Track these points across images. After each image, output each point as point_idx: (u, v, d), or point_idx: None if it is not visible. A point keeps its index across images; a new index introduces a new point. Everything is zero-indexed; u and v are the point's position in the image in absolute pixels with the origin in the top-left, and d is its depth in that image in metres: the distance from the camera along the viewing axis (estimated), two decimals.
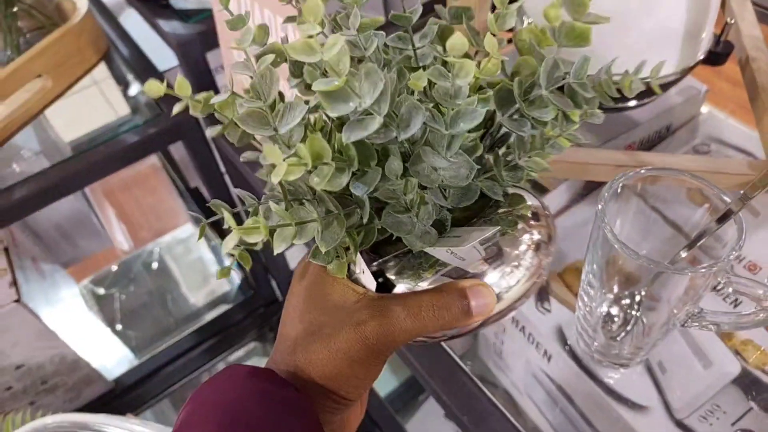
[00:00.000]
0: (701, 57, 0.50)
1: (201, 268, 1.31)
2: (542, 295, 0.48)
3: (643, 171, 0.36)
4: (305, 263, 0.32)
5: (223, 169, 0.78)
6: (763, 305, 0.33)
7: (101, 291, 1.37)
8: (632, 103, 0.54)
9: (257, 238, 0.23)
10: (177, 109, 0.24)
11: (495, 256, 0.29)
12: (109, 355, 1.07)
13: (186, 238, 1.44)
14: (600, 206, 0.34)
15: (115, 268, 1.43)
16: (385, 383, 1.05)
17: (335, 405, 0.28)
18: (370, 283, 0.29)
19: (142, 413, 0.95)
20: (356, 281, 0.29)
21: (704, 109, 0.62)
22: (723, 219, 0.33)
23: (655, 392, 0.42)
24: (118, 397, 0.94)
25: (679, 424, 0.40)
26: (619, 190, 0.36)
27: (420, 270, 0.29)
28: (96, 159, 0.63)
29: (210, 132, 0.27)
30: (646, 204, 0.40)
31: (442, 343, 0.45)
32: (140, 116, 0.69)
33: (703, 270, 0.31)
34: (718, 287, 0.35)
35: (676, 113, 0.59)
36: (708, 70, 0.54)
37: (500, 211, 0.31)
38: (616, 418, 0.42)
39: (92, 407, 0.93)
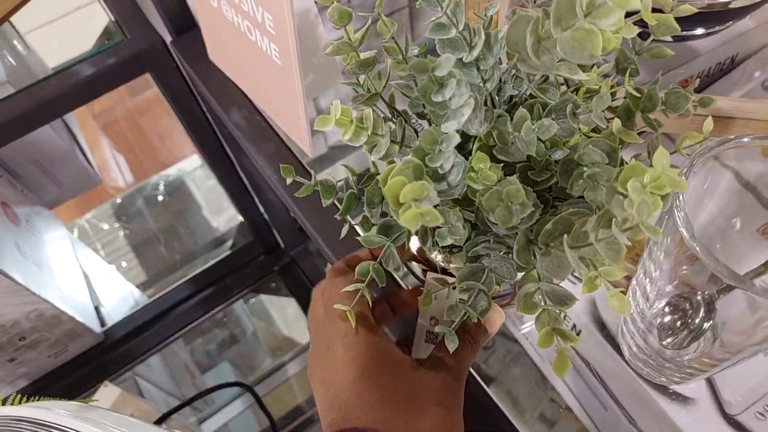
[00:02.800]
0: None
1: (211, 202, 1.25)
2: None
3: (746, 139, 0.26)
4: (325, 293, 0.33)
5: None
6: None
7: (105, 225, 1.32)
8: (699, 30, 0.47)
9: None
10: None
11: None
12: (106, 298, 1.01)
13: (193, 170, 1.38)
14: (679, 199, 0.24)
15: (118, 200, 1.38)
16: None
17: None
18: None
19: (133, 368, 0.89)
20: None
21: None
22: None
23: (703, 382, 0.37)
24: (108, 351, 0.88)
25: (730, 420, 0.36)
26: (705, 163, 0.26)
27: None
28: (43, 95, 0.53)
29: None
30: (739, 182, 0.30)
31: None
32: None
33: None
34: None
35: (745, 41, 0.51)
36: None
37: None
38: (655, 410, 0.37)
39: (80, 361, 0.87)
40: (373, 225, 0.31)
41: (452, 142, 0.22)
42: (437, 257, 0.36)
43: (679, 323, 0.32)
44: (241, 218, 0.98)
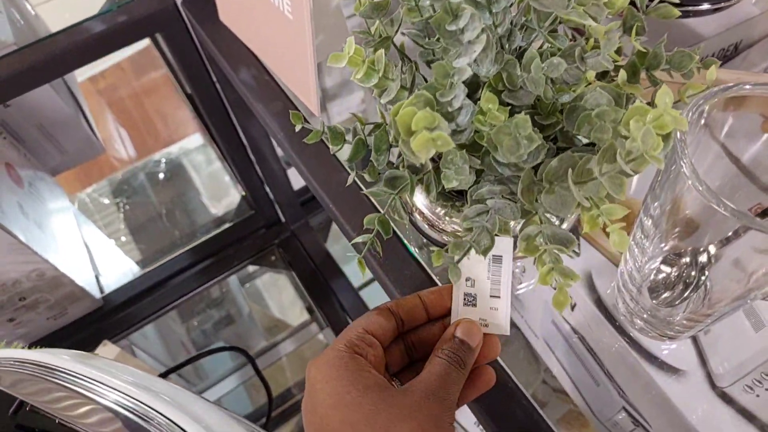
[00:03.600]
0: None
1: (212, 181, 1.25)
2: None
3: (748, 87, 0.26)
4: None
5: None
6: None
7: (105, 200, 1.33)
8: (705, 5, 0.47)
9: None
10: None
11: None
12: (106, 269, 1.02)
13: (195, 148, 1.39)
14: (679, 134, 0.25)
15: (119, 176, 1.38)
16: None
17: None
18: None
19: (130, 335, 0.90)
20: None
21: None
22: None
23: (694, 355, 0.37)
24: (107, 316, 0.88)
25: (719, 392, 0.36)
26: (705, 115, 0.27)
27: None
28: (52, 49, 0.53)
29: None
30: (727, 154, 0.31)
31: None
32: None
33: None
34: None
35: (750, 28, 0.51)
36: None
37: None
38: (645, 380, 0.37)
39: (80, 326, 0.88)
40: (379, 174, 0.32)
41: (463, 76, 0.23)
42: (440, 212, 0.37)
43: (673, 280, 0.33)
44: (243, 192, 0.98)
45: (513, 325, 0.47)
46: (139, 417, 0.42)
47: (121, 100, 1.74)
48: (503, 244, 0.30)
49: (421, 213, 0.39)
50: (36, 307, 0.82)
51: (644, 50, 0.30)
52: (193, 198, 1.26)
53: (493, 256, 0.30)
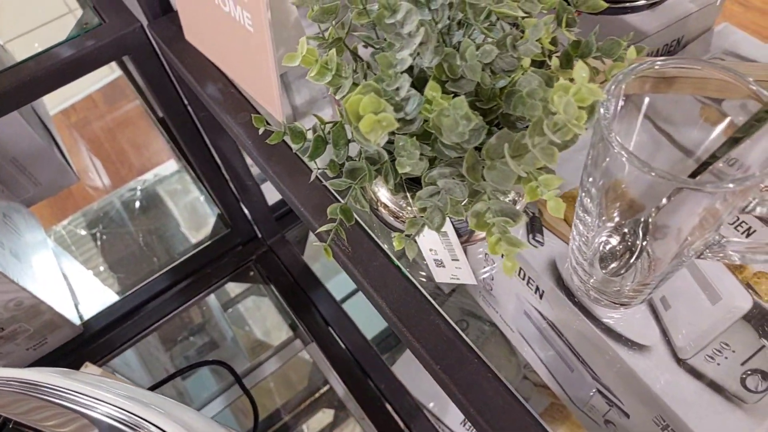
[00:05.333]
0: None
1: (189, 204, 1.26)
2: (534, 226, 0.44)
3: (659, 63, 0.29)
4: None
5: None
6: None
7: (82, 232, 1.33)
8: (641, 1, 0.50)
9: None
10: None
11: None
12: (85, 298, 1.02)
13: (170, 175, 1.40)
14: (602, 110, 0.27)
15: (95, 207, 1.38)
16: (372, 326, 1.00)
17: None
18: None
19: (112, 360, 0.90)
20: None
21: (718, 25, 0.57)
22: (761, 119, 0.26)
23: (657, 330, 0.39)
24: (88, 342, 0.88)
25: (682, 364, 0.37)
26: (623, 93, 0.30)
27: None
28: (22, 76, 0.55)
29: None
30: (653, 125, 0.33)
31: (416, 283, 0.40)
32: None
33: (731, 186, 0.24)
34: (748, 208, 0.29)
35: (690, 24, 0.54)
36: None
37: None
38: (613, 358, 0.39)
39: (60, 354, 0.88)
40: (341, 168, 0.34)
41: (405, 65, 0.25)
42: (402, 203, 0.39)
43: (620, 250, 0.35)
44: (218, 211, 0.99)
45: (490, 322, 0.49)
46: (131, 428, 0.43)
47: (93, 131, 1.75)
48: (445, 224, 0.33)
49: (385, 206, 0.41)
50: (15, 337, 0.82)
51: (576, 40, 0.33)
52: (170, 222, 1.26)
53: (441, 232, 0.33)
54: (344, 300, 1.04)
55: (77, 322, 0.89)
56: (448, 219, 0.36)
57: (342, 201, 0.37)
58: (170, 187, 1.39)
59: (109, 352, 0.88)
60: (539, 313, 0.44)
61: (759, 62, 0.52)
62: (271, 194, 0.93)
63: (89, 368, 0.67)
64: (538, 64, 0.34)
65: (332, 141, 0.32)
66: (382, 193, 0.42)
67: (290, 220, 0.97)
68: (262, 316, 1.15)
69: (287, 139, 0.35)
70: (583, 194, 0.33)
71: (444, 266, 0.37)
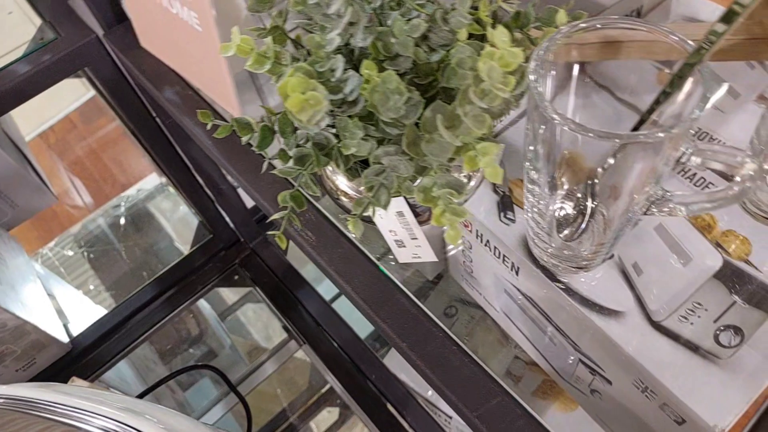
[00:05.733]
0: None
1: (174, 217, 1.26)
2: (505, 204, 0.44)
3: (583, 24, 0.29)
4: None
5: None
6: (740, 174, 0.26)
7: (70, 252, 1.33)
8: None
9: None
10: None
11: None
12: (75, 317, 1.02)
13: (153, 188, 1.39)
14: (532, 77, 0.27)
15: (80, 227, 1.38)
16: (367, 324, 1.01)
17: None
18: None
19: (103, 374, 0.90)
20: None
21: None
22: (687, 68, 0.27)
23: (630, 296, 0.39)
24: (77, 359, 0.88)
25: (657, 326, 0.38)
26: (552, 52, 0.30)
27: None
28: None
29: None
30: (610, 94, 0.34)
31: (381, 266, 0.40)
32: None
33: (661, 135, 0.25)
34: (683, 159, 0.29)
35: None
36: None
37: None
38: (589, 326, 0.39)
39: (51, 373, 0.88)
40: (290, 158, 0.34)
41: (333, 45, 0.26)
42: (362, 189, 0.39)
43: (575, 215, 0.36)
44: (199, 218, 0.99)
45: (475, 305, 0.49)
46: None
47: (73, 151, 1.75)
48: (398, 202, 0.33)
49: (345, 194, 0.41)
50: (2, 359, 0.81)
51: (517, 11, 0.34)
52: (157, 235, 1.26)
53: (396, 212, 0.33)
54: (335, 299, 1.04)
55: (65, 340, 0.89)
56: (403, 199, 0.36)
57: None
58: (154, 200, 1.39)
59: (100, 366, 0.88)
60: (517, 289, 0.45)
61: (707, 22, 0.52)
62: (248, 198, 0.93)
63: (76, 382, 0.67)
64: (479, 37, 0.34)
65: (279, 129, 0.32)
66: (341, 181, 0.42)
67: (271, 222, 0.97)
68: (258, 321, 1.15)
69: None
70: (528, 165, 0.33)
71: (405, 246, 0.38)
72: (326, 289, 1.02)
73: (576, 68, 0.33)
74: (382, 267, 0.40)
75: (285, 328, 1.07)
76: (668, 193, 0.31)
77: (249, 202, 0.94)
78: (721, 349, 0.37)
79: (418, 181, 0.33)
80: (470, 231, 0.44)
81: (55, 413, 0.43)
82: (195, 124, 0.50)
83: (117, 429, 0.43)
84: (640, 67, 0.34)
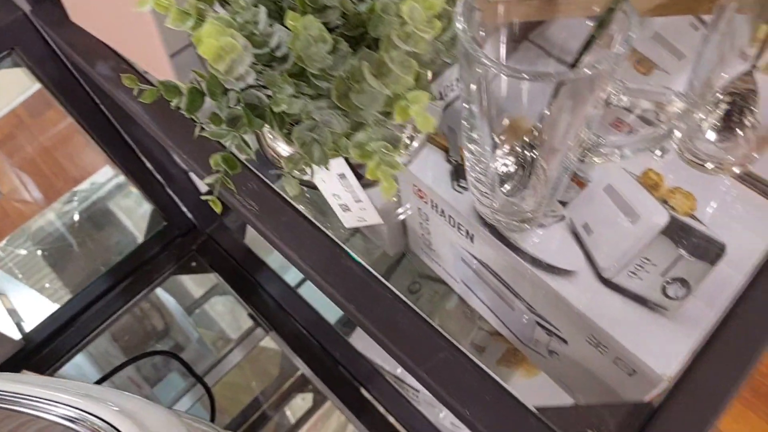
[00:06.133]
0: None
1: (129, 209, 1.23)
2: (458, 173, 0.44)
3: None
4: None
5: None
6: (667, 112, 0.26)
7: (22, 251, 1.29)
8: None
9: None
10: None
11: None
12: (30, 315, 0.99)
13: (106, 181, 1.36)
14: (460, 25, 0.26)
15: (32, 223, 1.34)
16: (333, 310, 1.00)
17: None
18: None
19: (61, 368, 0.87)
20: None
21: None
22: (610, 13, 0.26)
23: (581, 256, 0.39)
24: (31, 355, 0.86)
25: (607, 283, 0.38)
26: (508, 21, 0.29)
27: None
28: None
29: None
30: (540, 48, 0.33)
31: (327, 231, 0.39)
32: None
33: (588, 72, 0.24)
34: (612, 100, 0.30)
35: None
36: None
37: None
38: (542, 287, 0.39)
39: (2, 371, 0.85)
40: (222, 121, 0.33)
41: None
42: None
43: (516, 170, 0.36)
44: (152, 206, 0.97)
45: (439, 280, 0.49)
46: (73, 421, 0.41)
47: (21, 147, 1.68)
48: (339, 164, 0.32)
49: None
50: None
51: None
52: (111, 228, 1.23)
53: (338, 174, 0.32)
54: (299, 285, 1.03)
55: (17, 337, 0.86)
56: (344, 160, 0.35)
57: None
58: (109, 192, 1.35)
59: (55, 361, 0.86)
60: (473, 256, 0.45)
61: None
62: (202, 184, 0.91)
63: (28, 375, 0.65)
64: None
65: (207, 90, 0.31)
66: (282, 147, 0.41)
67: (227, 206, 0.95)
68: (226, 313, 1.13)
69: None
70: (465, 124, 0.33)
71: (350, 210, 0.37)
72: (293, 277, 1.01)
73: (515, 30, 0.33)
74: (328, 232, 0.39)
75: (251, 315, 1.06)
76: (601, 138, 0.31)
77: (203, 187, 0.92)
78: (669, 301, 0.37)
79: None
80: (426, 202, 0.44)
81: (9, 402, 0.42)
82: (131, 99, 0.48)
83: (76, 416, 0.41)
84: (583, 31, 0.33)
